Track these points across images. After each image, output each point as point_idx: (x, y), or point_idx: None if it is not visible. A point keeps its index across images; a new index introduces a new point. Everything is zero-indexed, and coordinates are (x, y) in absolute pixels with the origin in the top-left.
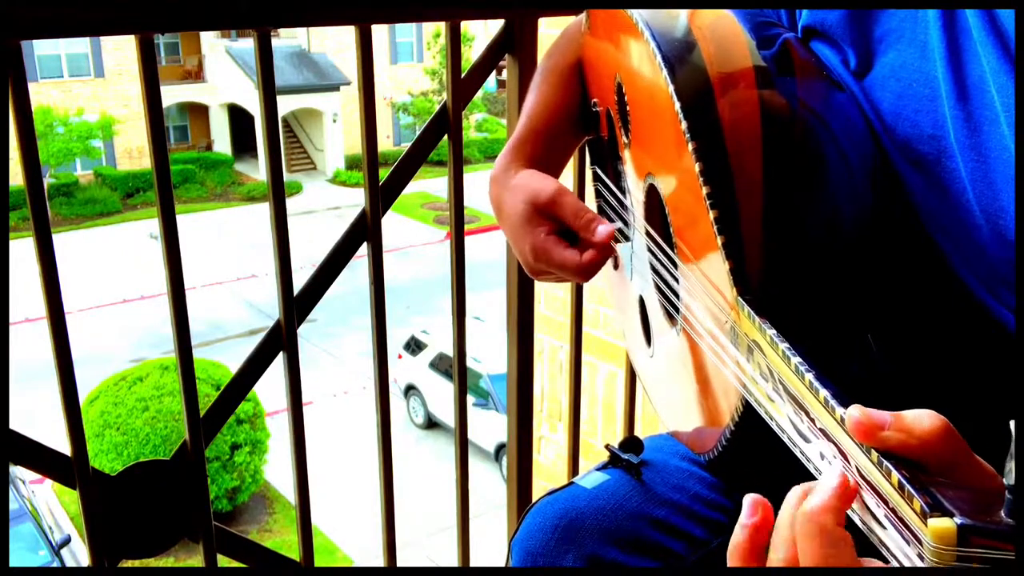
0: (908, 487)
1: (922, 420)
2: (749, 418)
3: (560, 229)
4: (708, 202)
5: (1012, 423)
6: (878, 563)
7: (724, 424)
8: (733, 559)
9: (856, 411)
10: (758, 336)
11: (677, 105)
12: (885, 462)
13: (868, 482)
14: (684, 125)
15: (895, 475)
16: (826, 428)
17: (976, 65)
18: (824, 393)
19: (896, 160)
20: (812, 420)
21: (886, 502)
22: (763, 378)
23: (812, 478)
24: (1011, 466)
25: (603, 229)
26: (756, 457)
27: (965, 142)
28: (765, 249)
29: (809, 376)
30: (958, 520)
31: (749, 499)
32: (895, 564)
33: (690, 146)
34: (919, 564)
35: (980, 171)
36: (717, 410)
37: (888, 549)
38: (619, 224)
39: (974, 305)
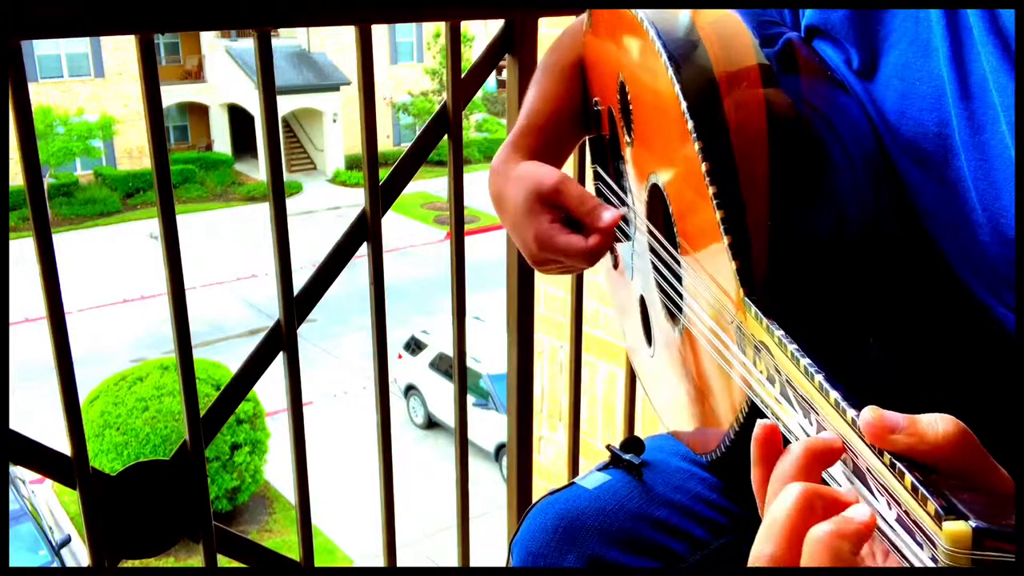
0: (922, 489)
1: (936, 425)
2: (754, 419)
3: (563, 218)
4: (715, 202)
5: None
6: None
7: (727, 425)
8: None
9: (869, 413)
10: (765, 337)
11: (683, 104)
12: (898, 464)
13: (881, 484)
14: (690, 124)
15: (908, 477)
16: (836, 429)
17: (978, 65)
18: (834, 395)
19: (899, 160)
20: (821, 422)
21: (899, 504)
22: (769, 380)
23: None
24: None
25: (608, 215)
26: None
27: (968, 141)
28: (771, 249)
29: (819, 378)
30: (973, 523)
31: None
32: (906, 565)
33: (696, 145)
34: (931, 566)
35: (982, 170)
36: (720, 411)
37: (899, 551)
38: (624, 209)
39: (975, 305)
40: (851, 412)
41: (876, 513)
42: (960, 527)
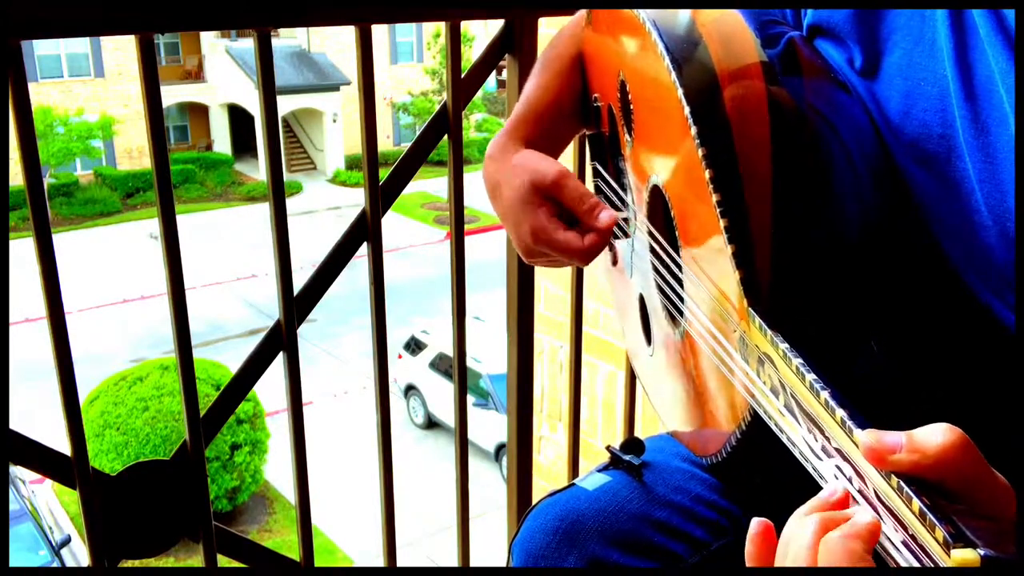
0: (930, 515)
1: (934, 436)
2: (757, 427)
3: (560, 212)
4: (718, 209)
5: None
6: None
7: (729, 430)
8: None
9: (868, 437)
10: (769, 349)
11: (686, 109)
12: (906, 488)
13: (887, 507)
14: (694, 130)
15: (916, 502)
16: (842, 448)
17: (984, 65)
18: (841, 413)
19: (902, 160)
20: (827, 439)
21: (905, 528)
22: (773, 392)
23: (819, 487)
24: None
25: (606, 216)
26: (762, 465)
27: (973, 143)
28: (775, 258)
29: (825, 394)
30: (981, 551)
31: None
32: None
33: (699, 152)
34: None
35: (988, 172)
36: (721, 415)
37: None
38: (623, 212)
39: (979, 308)
40: (858, 432)
41: (882, 532)
42: (969, 555)
